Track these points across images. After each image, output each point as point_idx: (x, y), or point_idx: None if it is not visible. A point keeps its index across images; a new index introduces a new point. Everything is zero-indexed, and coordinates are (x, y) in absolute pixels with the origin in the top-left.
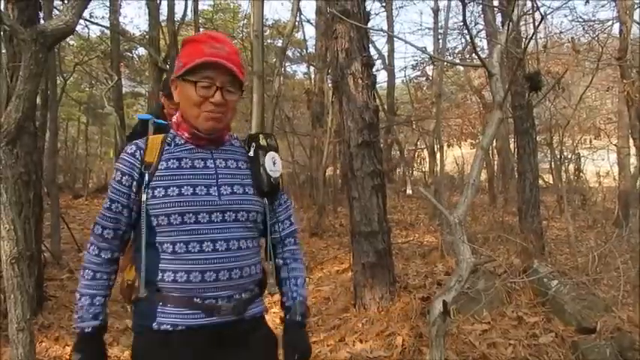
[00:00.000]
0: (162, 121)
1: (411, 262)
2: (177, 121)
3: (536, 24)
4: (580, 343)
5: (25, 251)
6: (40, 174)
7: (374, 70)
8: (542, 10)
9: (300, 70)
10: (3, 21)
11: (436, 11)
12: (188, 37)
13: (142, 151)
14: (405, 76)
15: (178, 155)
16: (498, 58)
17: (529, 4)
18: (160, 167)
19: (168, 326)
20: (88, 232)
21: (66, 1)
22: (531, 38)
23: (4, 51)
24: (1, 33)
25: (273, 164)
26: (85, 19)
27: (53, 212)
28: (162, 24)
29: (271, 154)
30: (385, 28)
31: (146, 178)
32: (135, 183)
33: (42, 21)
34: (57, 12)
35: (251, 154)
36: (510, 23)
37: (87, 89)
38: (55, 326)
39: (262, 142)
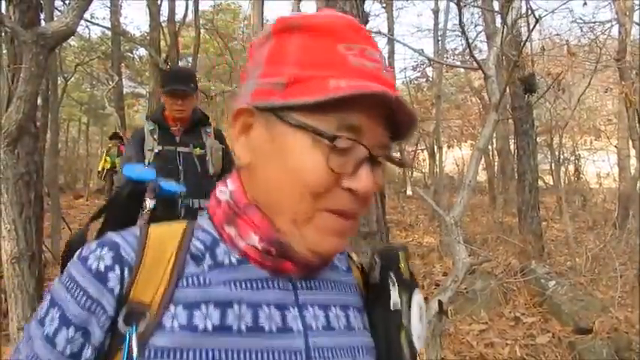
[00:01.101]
0: (162, 123)
1: (410, 263)
2: (231, 202)
3: (531, 27)
4: (577, 343)
5: (26, 251)
6: (40, 174)
7: None
8: (537, 12)
9: None
10: (4, 23)
11: (436, 12)
12: (299, 19)
13: (125, 269)
14: (405, 77)
15: (221, 292)
16: (494, 61)
17: (524, 7)
18: (168, 322)
19: None
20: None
21: (67, 3)
22: (526, 41)
23: (4, 51)
24: (2, 34)
25: (420, 319)
26: (86, 20)
27: (54, 212)
28: (163, 25)
29: (418, 297)
30: (386, 29)
31: (127, 343)
32: (89, 350)
33: (43, 22)
34: (58, 13)
35: (396, 300)
36: (505, 26)
37: (88, 90)
38: None
39: (404, 268)
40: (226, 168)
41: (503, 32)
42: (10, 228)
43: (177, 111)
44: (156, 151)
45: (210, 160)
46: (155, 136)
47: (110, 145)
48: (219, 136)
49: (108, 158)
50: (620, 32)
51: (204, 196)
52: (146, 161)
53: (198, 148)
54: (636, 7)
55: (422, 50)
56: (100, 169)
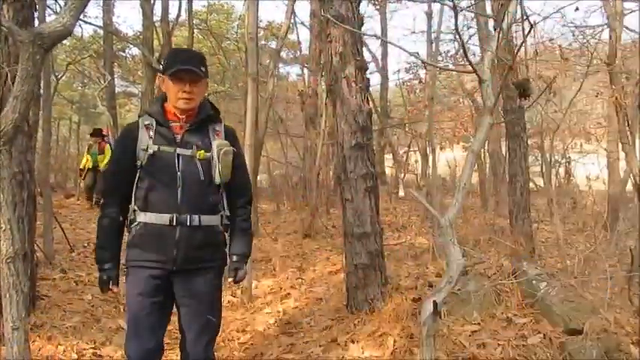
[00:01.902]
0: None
1: (403, 264)
2: None
3: (526, 32)
4: (568, 343)
5: (21, 251)
6: (33, 174)
7: (367, 72)
8: (532, 18)
9: (294, 71)
10: (1, 22)
11: (429, 15)
12: None
13: None
14: (398, 79)
15: None
16: (489, 64)
17: (519, 11)
18: None
19: None
20: (80, 232)
21: (62, 3)
22: (521, 46)
23: None
24: None
25: None
26: (79, 19)
27: (46, 212)
28: (156, 24)
29: None
30: (379, 31)
31: None
32: None
33: (36, 21)
34: (49, 11)
35: None
36: (501, 31)
37: (79, 88)
38: (48, 326)
39: None
40: (237, 177)
41: (498, 38)
42: (5, 228)
43: (185, 100)
44: (150, 152)
45: (217, 166)
46: (151, 133)
47: (91, 142)
48: (230, 136)
49: (89, 157)
50: (610, 36)
51: (206, 210)
52: (138, 163)
53: (202, 151)
54: (626, 12)
55: (417, 53)
56: (81, 167)
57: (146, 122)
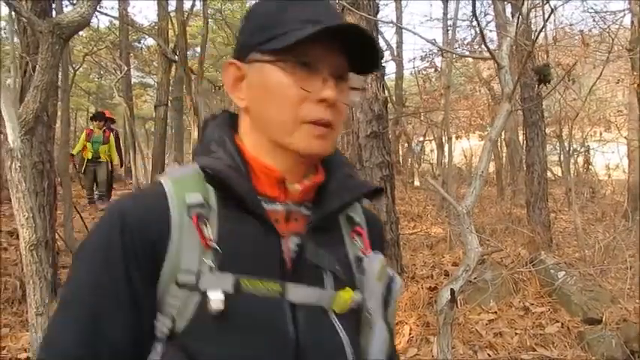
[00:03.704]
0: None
1: (419, 253)
2: None
3: (546, 16)
4: (586, 333)
5: (43, 238)
6: (53, 163)
7: (383, 61)
8: (551, 2)
9: None
10: (21, 13)
11: (446, 2)
12: None
13: None
14: (413, 68)
15: None
16: (507, 51)
17: None
18: None
19: None
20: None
21: None
22: (541, 31)
23: (16, 40)
24: (15, 25)
25: None
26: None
27: (66, 201)
28: (171, 14)
29: None
30: (394, 18)
31: None
32: None
33: (54, 13)
34: (66, 2)
35: None
36: (520, 16)
37: (96, 80)
38: None
39: None
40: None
41: (518, 22)
42: (27, 216)
43: (322, 130)
44: (217, 300)
45: (381, 329)
46: (211, 234)
47: (92, 127)
48: (375, 234)
49: (88, 145)
50: (632, 22)
51: None
52: (165, 325)
53: (348, 289)
54: None
55: (434, 40)
56: (75, 152)
57: (194, 200)
